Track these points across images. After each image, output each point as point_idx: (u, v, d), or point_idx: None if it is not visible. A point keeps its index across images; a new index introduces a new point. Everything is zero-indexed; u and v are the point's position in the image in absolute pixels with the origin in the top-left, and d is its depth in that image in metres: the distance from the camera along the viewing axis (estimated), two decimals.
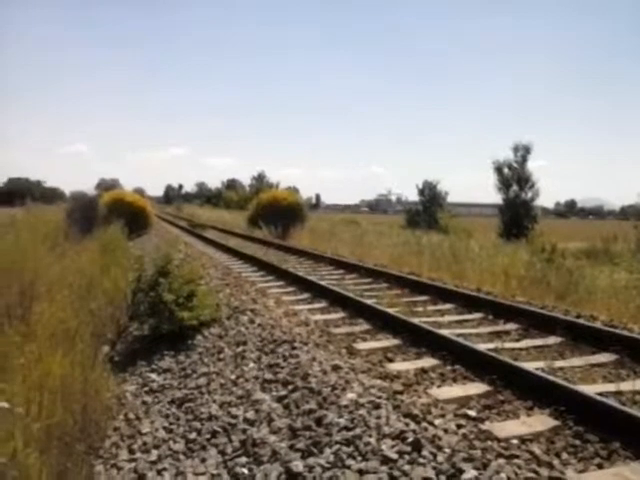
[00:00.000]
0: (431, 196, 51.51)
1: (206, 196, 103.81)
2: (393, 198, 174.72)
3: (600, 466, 3.20)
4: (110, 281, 8.39)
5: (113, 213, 20.57)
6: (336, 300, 7.82)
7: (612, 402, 3.84)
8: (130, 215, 21.36)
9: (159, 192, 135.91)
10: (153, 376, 5.63)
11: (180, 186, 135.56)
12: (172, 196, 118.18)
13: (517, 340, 6.01)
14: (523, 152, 42.03)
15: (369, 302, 7.44)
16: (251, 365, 5.17)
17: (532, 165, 44.77)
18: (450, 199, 59.40)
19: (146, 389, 5.38)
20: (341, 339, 5.82)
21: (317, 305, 7.75)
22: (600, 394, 4.07)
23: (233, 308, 7.26)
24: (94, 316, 6.79)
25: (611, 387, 4.45)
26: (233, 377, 4.99)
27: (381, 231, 22.22)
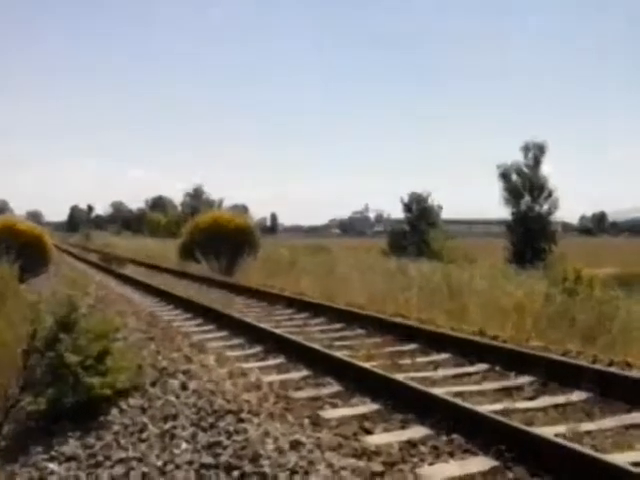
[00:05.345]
0: (420, 212, 52.27)
1: (124, 220, 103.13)
2: (371, 216, 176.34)
3: None
4: None
5: None
6: (297, 354, 7.84)
7: None
8: (22, 248, 21.01)
9: (62, 216, 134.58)
10: (52, 466, 5.51)
11: (90, 208, 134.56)
12: (79, 221, 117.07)
13: (532, 398, 6.09)
14: (536, 152, 42.96)
15: (340, 355, 7.46)
16: (184, 446, 5.11)
17: (548, 169, 45.73)
18: (445, 215, 60.36)
19: None
20: (303, 406, 5.82)
21: (272, 361, 7.74)
22: (635, 464, 4.14)
23: (160, 370, 7.20)
24: None
25: None
26: (160, 463, 4.93)
27: (357, 259, 22.33)
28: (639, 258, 21.11)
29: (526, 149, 43.08)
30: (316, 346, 7.97)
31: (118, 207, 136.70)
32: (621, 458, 4.32)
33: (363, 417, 5.53)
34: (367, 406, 5.83)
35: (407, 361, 7.62)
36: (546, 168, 43.86)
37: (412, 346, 8.46)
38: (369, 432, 5.16)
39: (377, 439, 4.95)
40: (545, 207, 43.52)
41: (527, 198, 43.16)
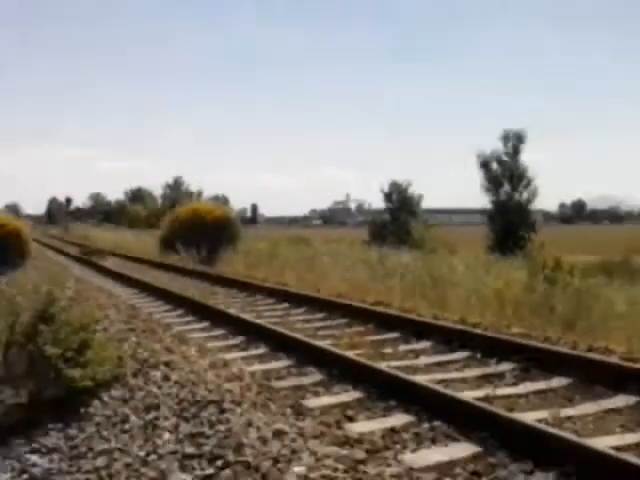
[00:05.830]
0: (401, 201, 52.40)
1: (104, 212, 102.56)
2: (353, 206, 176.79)
3: None
4: None
5: None
6: (279, 343, 7.88)
7: (633, 458, 3.96)
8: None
9: (40, 209, 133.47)
10: (35, 458, 5.50)
11: (68, 200, 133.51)
12: (58, 214, 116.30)
13: (513, 384, 6.17)
14: (515, 142, 43.17)
15: (322, 344, 7.52)
16: (166, 436, 5.12)
17: (527, 159, 46.10)
18: (426, 204, 60.72)
19: (25, 477, 5.25)
20: (286, 395, 5.84)
21: (254, 352, 7.78)
22: (617, 448, 4.20)
23: (141, 362, 7.19)
24: None
25: (633, 438, 4.61)
26: (142, 454, 4.93)
27: (338, 250, 22.38)
28: (619, 246, 21.29)
29: (505, 138, 43.46)
30: (298, 335, 8.01)
31: (97, 199, 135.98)
32: (602, 442, 4.38)
33: (346, 405, 5.57)
34: (350, 394, 5.87)
35: (389, 349, 7.68)
36: (526, 156, 44.54)
37: (394, 334, 8.52)
38: (352, 420, 5.20)
39: (360, 427, 4.99)
40: (525, 195, 43.89)
41: (507, 187, 43.49)
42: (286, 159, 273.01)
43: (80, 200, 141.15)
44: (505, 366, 6.75)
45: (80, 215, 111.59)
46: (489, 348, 7.29)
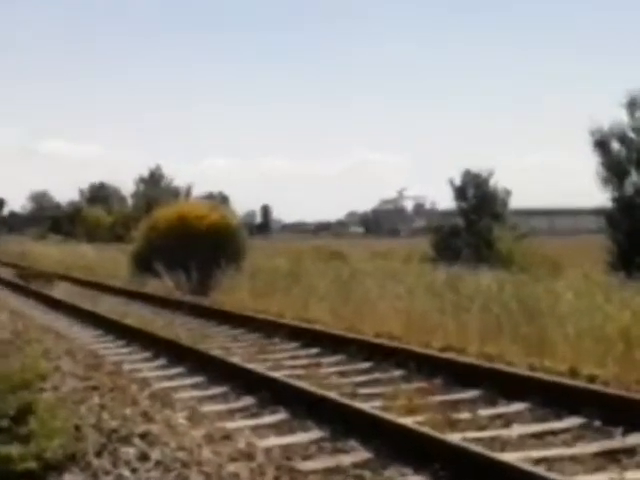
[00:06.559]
0: (479, 199, 52.01)
1: (51, 218, 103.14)
2: (409, 205, 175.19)
3: None
4: None
5: None
6: (305, 407, 7.82)
7: None
8: None
9: None
10: None
11: (0, 202, 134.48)
12: None
13: None
14: None
15: (368, 407, 7.46)
16: None
17: None
18: (515, 204, 60.09)
19: None
20: None
21: (269, 419, 7.74)
22: None
23: (108, 433, 7.19)
24: None
25: None
26: None
27: (388, 269, 22.28)
28: None
29: (631, 105, 42.43)
30: (333, 395, 7.96)
31: (41, 200, 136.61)
32: None
33: None
34: None
35: (465, 415, 7.60)
36: None
37: (472, 393, 8.46)
38: None
39: None
40: None
41: (635, 176, 42.62)
42: (310, 138, 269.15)
43: (18, 202, 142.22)
44: (636, 438, 6.66)
45: (17, 223, 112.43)
46: (612, 413, 7.19)
